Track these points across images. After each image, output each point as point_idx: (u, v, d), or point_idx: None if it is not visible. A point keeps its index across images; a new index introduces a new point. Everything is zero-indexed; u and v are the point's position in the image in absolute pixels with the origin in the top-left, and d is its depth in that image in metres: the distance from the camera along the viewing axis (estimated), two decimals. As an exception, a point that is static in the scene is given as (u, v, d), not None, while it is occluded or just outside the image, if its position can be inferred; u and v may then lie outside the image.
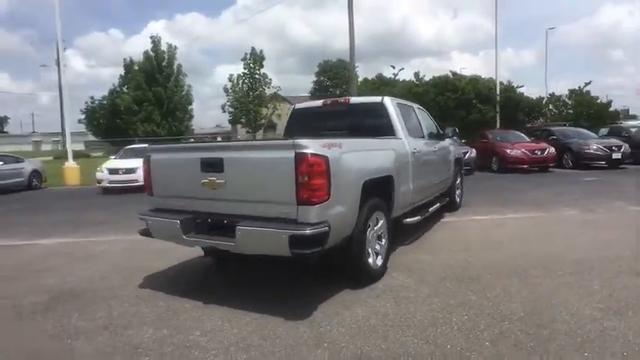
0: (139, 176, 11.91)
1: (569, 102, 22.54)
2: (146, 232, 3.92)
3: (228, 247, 3.40)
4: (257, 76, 41.01)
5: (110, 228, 7.07)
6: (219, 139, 42.58)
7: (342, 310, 3.34)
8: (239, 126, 44.41)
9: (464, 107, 19.97)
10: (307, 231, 3.02)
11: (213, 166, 3.44)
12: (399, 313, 3.24)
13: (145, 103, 36.90)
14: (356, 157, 3.60)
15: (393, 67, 24.66)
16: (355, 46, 17.21)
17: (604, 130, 16.92)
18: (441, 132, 6.79)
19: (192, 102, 41.47)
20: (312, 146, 3.11)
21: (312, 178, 3.06)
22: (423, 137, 5.81)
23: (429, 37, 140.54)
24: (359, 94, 19.17)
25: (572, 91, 22.59)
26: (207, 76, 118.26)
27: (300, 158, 3.06)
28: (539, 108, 21.65)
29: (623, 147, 13.71)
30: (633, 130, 16.36)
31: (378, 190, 3.94)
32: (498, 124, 19.41)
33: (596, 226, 6.13)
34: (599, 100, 21.98)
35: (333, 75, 57.44)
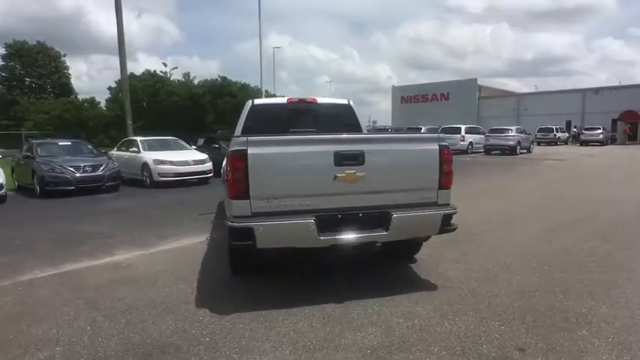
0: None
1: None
2: (247, 244, 3.27)
3: (377, 238, 3.48)
4: None
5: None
6: None
7: (443, 271, 4.10)
8: None
9: (239, 112, 21.04)
10: (453, 210, 3.63)
11: (352, 159, 3.39)
12: (479, 264, 4.28)
13: None
14: None
15: (165, 65, 22.82)
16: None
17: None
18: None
19: None
20: (446, 139, 3.71)
21: (449, 166, 3.66)
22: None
23: (112, 33, 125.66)
24: (132, 91, 17.33)
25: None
26: None
27: (443, 149, 3.61)
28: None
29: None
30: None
31: None
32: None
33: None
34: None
35: (33, 62, 46.26)
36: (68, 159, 10.94)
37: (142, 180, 12.05)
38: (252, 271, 4.20)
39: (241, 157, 3.27)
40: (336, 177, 3.38)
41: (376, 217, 3.49)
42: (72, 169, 10.52)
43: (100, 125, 19.83)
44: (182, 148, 13.56)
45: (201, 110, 19.42)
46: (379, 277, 4.10)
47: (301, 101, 5.75)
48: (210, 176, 12.62)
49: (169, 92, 19.00)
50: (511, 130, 23.35)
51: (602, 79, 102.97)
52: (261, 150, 3.32)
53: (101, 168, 10.91)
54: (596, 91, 40.13)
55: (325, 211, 3.43)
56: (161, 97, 18.63)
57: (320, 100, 5.94)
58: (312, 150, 3.42)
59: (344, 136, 3.61)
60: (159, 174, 11.66)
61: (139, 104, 18.99)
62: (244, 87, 22.39)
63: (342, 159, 3.38)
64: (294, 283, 4.00)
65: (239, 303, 3.49)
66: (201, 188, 11.68)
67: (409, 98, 53.03)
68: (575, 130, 36.33)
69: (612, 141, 34.87)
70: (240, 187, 3.30)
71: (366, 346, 2.74)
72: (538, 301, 3.37)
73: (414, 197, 3.60)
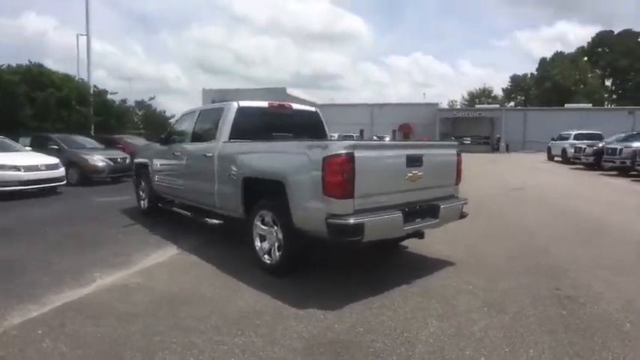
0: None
1: (140, 113, 24.98)
2: (357, 239, 3.56)
3: (431, 225, 4.26)
4: None
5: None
6: None
7: (438, 251, 5.10)
8: None
9: (65, 107, 17.29)
10: (466, 201, 4.72)
11: (416, 161, 4.08)
12: (454, 243, 5.47)
13: None
14: None
15: None
16: None
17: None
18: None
19: None
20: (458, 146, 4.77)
21: (460, 167, 4.73)
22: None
23: None
24: None
25: (137, 102, 25.09)
26: None
27: (458, 154, 4.66)
28: (128, 115, 22.43)
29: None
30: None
31: None
32: (93, 130, 18.65)
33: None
34: (166, 114, 26.07)
35: None
36: None
37: (-37, 192, 9.06)
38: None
39: (349, 159, 3.55)
40: (406, 176, 4.01)
41: (427, 209, 4.27)
42: None
43: None
44: (14, 149, 10.75)
45: (14, 102, 15.17)
46: (396, 263, 4.83)
47: (280, 106, 5.88)
48: (63, 184, 10.50)
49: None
50: (333, 136, 26.93)
51: (366, 95, 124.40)
52: (364, 153, 3.67)
53: None
54: (381, 106, 49.36)
55: (400, 206, 4.01)
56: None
57: (294, 106, 6.17)
58: (395, 153, 3.99)
59: (411, 142, 4.28)
60: (-4, 182, 9.02)
61: None
62: (68, 78, 18.43)
63: (412, 161, 4.05)
64: (333, 278, 4.34)
65: (331, 297, 3.67)
66: (53, 199, 9.63)
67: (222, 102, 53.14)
68: (376, 137, 43.97)
69: (394, 147, 43.73)
70: (348, 188, 3.57)
71: (478, 307, 3.50)
72: (527, 262, 4.75)
73: (443, 192, 4.55)
